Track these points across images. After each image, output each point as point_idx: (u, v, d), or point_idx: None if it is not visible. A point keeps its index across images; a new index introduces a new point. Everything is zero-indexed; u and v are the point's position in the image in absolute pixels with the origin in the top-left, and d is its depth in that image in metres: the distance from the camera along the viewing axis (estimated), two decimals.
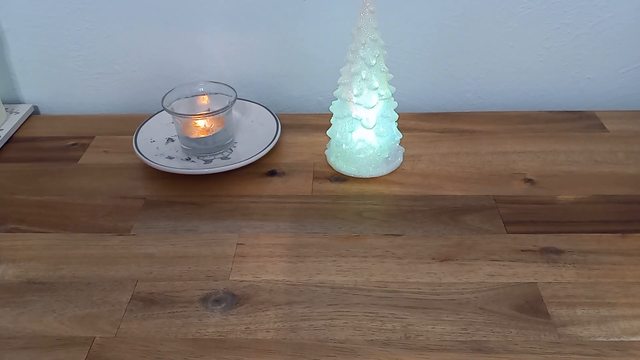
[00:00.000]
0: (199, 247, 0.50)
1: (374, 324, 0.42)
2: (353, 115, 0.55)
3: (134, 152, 0.59)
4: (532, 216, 0.52)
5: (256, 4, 0.66)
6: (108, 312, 0.44)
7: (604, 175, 0.57)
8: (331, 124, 0.59)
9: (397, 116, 0.57)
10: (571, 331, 0.41)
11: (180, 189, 0.57)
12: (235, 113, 0.65)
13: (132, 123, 0.65)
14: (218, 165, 0.58)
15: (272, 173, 0.59)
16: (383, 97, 0.55)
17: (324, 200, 0.55)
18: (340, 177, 0.58)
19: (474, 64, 0.69)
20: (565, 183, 0.56)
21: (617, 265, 0.47)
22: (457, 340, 0.41)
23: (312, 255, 0.49)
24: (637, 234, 0.50)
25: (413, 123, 0.66)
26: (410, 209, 0.54)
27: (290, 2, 0.65)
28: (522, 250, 0.48)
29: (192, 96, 0.63)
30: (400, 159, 0.60)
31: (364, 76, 0.53)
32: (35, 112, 0.74)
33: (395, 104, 0.57)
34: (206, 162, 0.59)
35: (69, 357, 0.40)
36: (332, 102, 0.58)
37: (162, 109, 0.59)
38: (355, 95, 0.54)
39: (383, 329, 0.42)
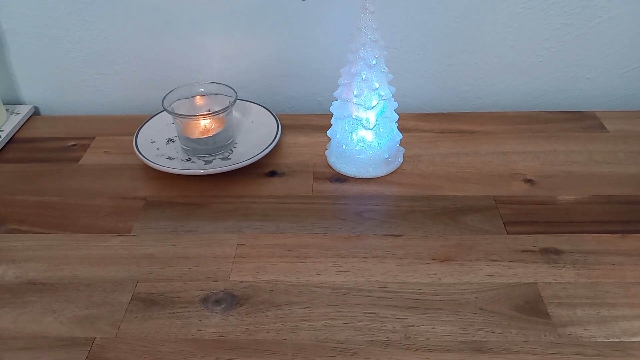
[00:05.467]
0: (199, 248, 0.50)
1: (374, 325, 0.42)
2: (353, 116, 0.55)
3: (135, 153, 0.59)
4: (532, 216, 0.52)
5: (256, 4, 0.66)
6: (108, 312, 0.44)
7: (604, 175, 0.57)
8: (331, 125, 0.59)
9: (397, 116, 0.57)
10: (571, 331, 0.41)
11: (180, 189, 0.57)
12: (235, 114, 0.65)
13: (132, 123, 0.65)
14: (218, 166, 0.58)
15: (272, 173, 0.59)
16: (383, 98, 0.55)
17: (324, 200, 0.55)
18: (341, 178, 0.58)
19: (474, 64, 0.69)
20: (565, 183, 0.56)
21: (617, 266, 0.47)
22: (457, 341, 0.41)
23: (312, 256, 0.49)
24: (637, 234, 0.50)
25: (413, 123, 0.66)
26: (410, 209, 0.54)
27: (290, 2, 0.65)
28: (522, 251, 0.48)
29: (193, 97, 0.62)
30: (400, 160, 0.60)
31: (364, 77, 0.53)
32: (35, 112, 0.74)
33: (396, 105, 0.57)
34: (206, 162, 0.59)
35: (69, 358, 0.40)
36: (332, 102, 0.58)
37: (163, 109, 0.60)
38: (355, 96, 0.54)
39: (383, 329, 0.42)
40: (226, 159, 0.60)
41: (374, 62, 0.53)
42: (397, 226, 0.52)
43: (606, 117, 0.66)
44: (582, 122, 0.66)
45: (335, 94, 0.57)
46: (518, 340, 0.41)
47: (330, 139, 0.60)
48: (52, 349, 0.41)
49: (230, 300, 0.45)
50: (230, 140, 0.62)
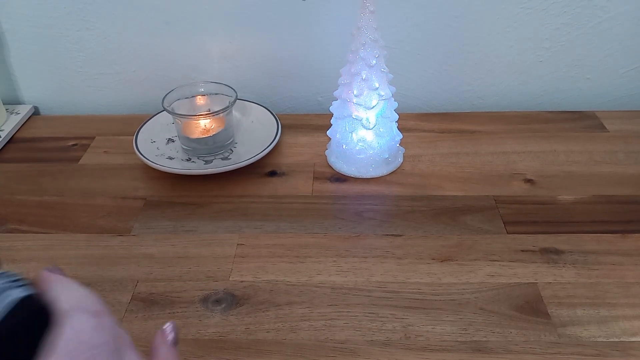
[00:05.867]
0: (199, 248, 0.50)
1: (374, 324, 0.42)
2: (353, 116, 0.55)
3: (135, 153, 0.59)
4: (532, 216, 0.52)
5: (256, 4, 0.66)
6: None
7: (604, 175, 0.57)
8: (331, 124, 0.59)
9: (397, 116, 0.57)
10: (571, 331, 0.41)
11: (180, 189, 0.57)
12: (235, 113, 0.65)
13: (132, 123, 0.65)
14: (218, 166, 0.58)
15: (272, 173, 0.59)
16: (383, 98, 0.55)
17: (324, 200, 0.55)
18: (341, 178, 0.58)
19: (474, 64, 0.69)
20: (565, 183, 0.56)
21: (617, 266, 0.47)
22: (457, 341, 0.41)
23: (312, 256, 0.49)
24: (637, 234, 0.50)
25: (413, 123, 0.66)
26: (410, 209, 0.54)
27: (290, 2, 0.65)
28: (522, 251, 0.48)
29: (193, 96, 0.63)
30: (400, 159, 0.60)
31: (364, 76, 0.53)
32: (35, 112, 0.74)
33: (395, 104, 0.57)
34: (206, 162, 0.59)
35: None
36: (332, 102, 0.58)
37: (163, 109, 0.59)
38: (355, 96, 0.54)
39: (383, 329, 0.42)
40: (226, 158, 0.60)
41: (374, 62, 0.53)
42: (397, 226, 0.52)
43: (606, 117, 0.66)
44: (582, 122, 0.66)
45: (335, 93, 0.57)
46: (518, 340, 0.41)
47: (330, 138, 0.60)
48: None
49: (230, 300, 0.45)
50: (230, 140, 0.62)
